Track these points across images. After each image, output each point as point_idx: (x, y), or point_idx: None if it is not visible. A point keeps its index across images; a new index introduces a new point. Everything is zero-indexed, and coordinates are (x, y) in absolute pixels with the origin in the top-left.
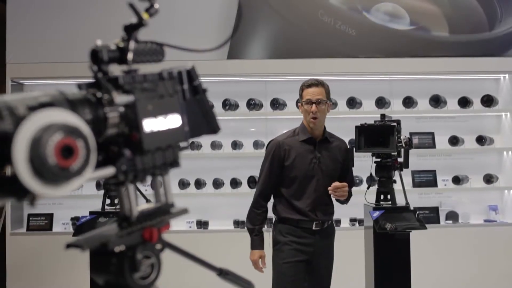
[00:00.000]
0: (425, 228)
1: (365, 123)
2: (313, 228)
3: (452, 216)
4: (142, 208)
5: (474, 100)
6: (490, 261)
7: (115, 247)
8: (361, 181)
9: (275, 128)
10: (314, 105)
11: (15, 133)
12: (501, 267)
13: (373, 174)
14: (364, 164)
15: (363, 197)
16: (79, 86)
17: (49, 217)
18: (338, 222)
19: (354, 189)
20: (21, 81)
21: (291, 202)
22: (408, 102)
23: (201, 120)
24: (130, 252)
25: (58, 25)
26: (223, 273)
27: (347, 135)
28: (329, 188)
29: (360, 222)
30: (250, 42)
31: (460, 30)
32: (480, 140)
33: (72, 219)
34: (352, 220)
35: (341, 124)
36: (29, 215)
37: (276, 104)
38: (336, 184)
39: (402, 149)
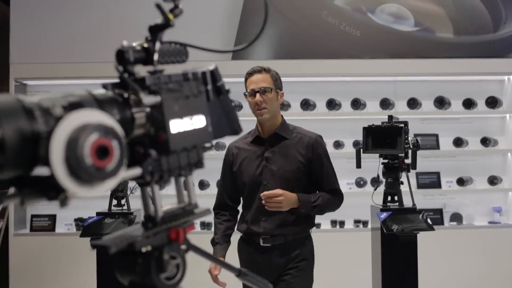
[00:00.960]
0: (433, 229)
1: (373, 125)
2: (261, 244)
3: (456, 217)
4: (166, 208)
5: (479, 102)
6: (495, 262)
7: (142, 247)
8: (365, 183)
9: None
10: (258, 95)
11: (53, 133)
12: (506, 269)
13: (380, 176)
14: (368, 165)
15: (368, 198)
16: (104, 86)
17: (52, 218)
18: (342, 223)
19: (358, 190)
20: (24, 82)
21: (242, 213)
22: (413, 103)
23: (223, 121)
24: (156, 253)
25: (61, 25)
26: (242, 274)
27: (352, 136)
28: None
29: (365, 223)
30: (255, 43)
31: (465, 31)
32: (484, 141)
33: (75, 220)
34: (356, 222)
35: (346, 125)
36: (32, 216)
37: (280, 105)
38: (266, 192)
39: (410, 150)
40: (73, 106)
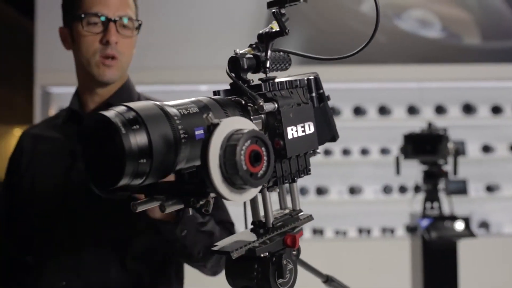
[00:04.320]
0: (474, 236)
1: (413, 132)
2: None
3: (484, 225)
4: (275, 214)
5: (507, 108)
6: None
7: (262, 253)
8: (390, 190)
9: None
10: (113, 28)
11: (210, 139)
12: None
13: (420, 183)
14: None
15: (394, 205)
16: (215, 92)
17: None
18: (368, 231)
19: (385, 197)
20: (50, 89)
21: (20, 274)
22: (441, 110)
23: (324, 127)
24: (274, 258)
25: None
26: (329, 280)
27: (378, 142)
28: None
29: (393, 231)
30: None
31: (492, 36)
32: None
33: None
34: (385, 230)
35: (372, 132)
36: None
37: None
38: None
39: (451, 157)
40: (206, 111)
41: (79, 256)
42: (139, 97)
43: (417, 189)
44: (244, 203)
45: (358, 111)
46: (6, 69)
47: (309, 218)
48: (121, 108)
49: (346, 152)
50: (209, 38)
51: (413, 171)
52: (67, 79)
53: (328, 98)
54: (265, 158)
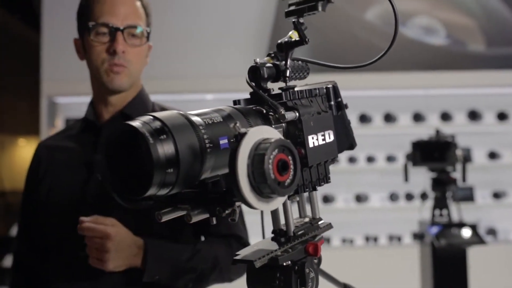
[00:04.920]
0: (484, 242)
1: (421, 139)
2: None
3: (492, 232)
4: (295, 223)
5: None
6: None
7: (284, 261)
8: (396, 197)
9: None
10: (121, 37)
11: (238, 148)
12: None
13: (428, 190)
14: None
15: (400, 213)
16: (235, 101)
17: None
18: (375, 239)
19: (391, 205)
20: (56, 99)
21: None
22: (447, 117)
23: (342, 135)
24: (297, 267)
25: None
26: None
27: (384, 150)
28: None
29: (400, 238)
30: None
31: (497, 43)
32: None
33: None
34: (391, 237)
35: (377, 140)
36: None
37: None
38: (86, 220)
39: (459, 164)
40: (229, 120)
41: (93, 267)
42: (153, 107)
43: (424, 196)
44: (261, 212)
45: (364, 118)
46: (10, 78)
47: (329, 226)
48: (146, 118)
49: (352, 159)
50: (214, 48)
51: (419, 178)
52: (73, 89)
53: (346, 106)
54: (292, 166)
